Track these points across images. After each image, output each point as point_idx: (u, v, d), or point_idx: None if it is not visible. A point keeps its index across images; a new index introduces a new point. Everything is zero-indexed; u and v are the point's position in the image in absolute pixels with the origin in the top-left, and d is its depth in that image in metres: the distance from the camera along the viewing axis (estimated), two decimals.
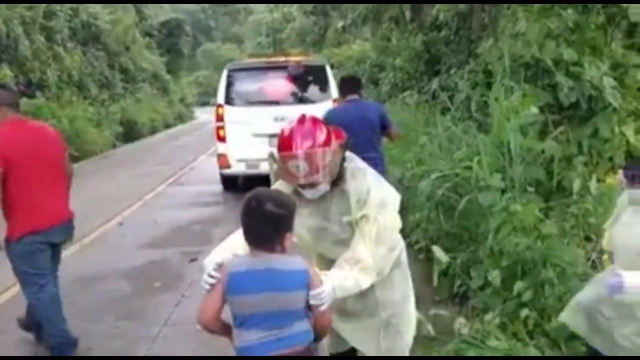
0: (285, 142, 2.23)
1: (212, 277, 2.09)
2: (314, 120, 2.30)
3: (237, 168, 8.88)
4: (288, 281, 2.03)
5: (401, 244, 2.57)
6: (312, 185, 2.26)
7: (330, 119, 5.68)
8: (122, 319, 4.64)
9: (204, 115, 32.81)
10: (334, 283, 2.12)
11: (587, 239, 4.43)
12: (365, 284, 2.23)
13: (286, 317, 2.05)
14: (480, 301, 3.87)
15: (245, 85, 9.08)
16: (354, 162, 2.40)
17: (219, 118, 8.85)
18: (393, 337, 2.54)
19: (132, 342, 4.20)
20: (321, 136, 2.22)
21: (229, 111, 8.78)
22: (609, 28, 5.54)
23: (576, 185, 4.62)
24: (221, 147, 8.88)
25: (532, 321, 3.54)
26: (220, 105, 8.86)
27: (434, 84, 8.24)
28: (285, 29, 36.43)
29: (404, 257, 2.60)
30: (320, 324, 2.14)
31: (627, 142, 5.21)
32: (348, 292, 2.21)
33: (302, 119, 2.28)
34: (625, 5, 5.37)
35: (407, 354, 2.63)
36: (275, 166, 2.31)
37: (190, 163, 14.26)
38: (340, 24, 20.66)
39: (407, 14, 15.52)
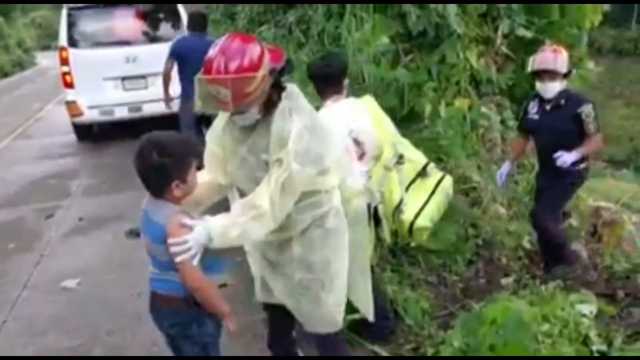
0: (207, 64, 1.98)
1: None
2: (244, 39, 2.03)
3: (90, 115, 8.27)
4: (152, 231, 2.05)
5: (328, 207, 2.30)
6: (240, 111, 2.07)
7: (172, 49, 6.10)
8: None
9: (47, 60, 30.07)
10: (213, 231, 1.98)
11: (439, 160, 4.73)
12: (256, 233, 2.07)
13: (159, 263, 2.09)
14: None
15: (90, 25, 8.35)
16: (295, 101, 2.13)
17: (64, 62, 8.11)
18: (310, 302, 2.35)
19: None
20: (246, 59, 1.95)
21: (74, 54, 8.07)
22: None
23: (427, 110, 4.91)
24: (70, 94, 8.19)
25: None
26: (63, 48, 8.11)
27: (291, 17, 8.10)
28: None
29: (336, 223, 2.33)
30: (181, 279, 2.03)
31: (471, 66, 5.55)
32: (233, 242, 2.05)
33: (230, 36, 2.03)
34: None
35: (328, 325, 2.43)
36: (199, 89, 2.02)
37: (37, 113, 13.10)
38: None
39: None
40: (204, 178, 2.32)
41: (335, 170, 2.26)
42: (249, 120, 2.12)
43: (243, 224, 2.02)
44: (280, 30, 9.42)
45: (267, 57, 2.02)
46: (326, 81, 2.98)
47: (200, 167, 2.19)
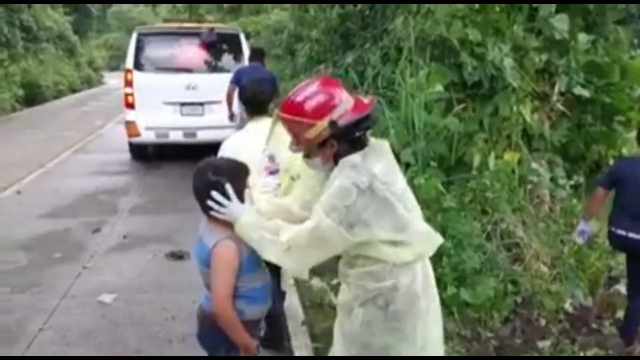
0: (284, 100, 1.98)
1: None
2: (327, 82, 1.97)
3: (146, 136, 8.58)
4: (200, 253, 2.19)
5: (392, 283, 2.00)
6: (306, 154, 2.02)
7: (234, 75, 7.25)
8: (17, 292, 4.43)
9: (114, 80, 31.37)
10: (244, 216, 2.05)
11: (484, 212, 4.67)
12: (268, 256, 2.04)
13: (207, 286, 2.22)
14: None
15: (156, 50, 8.75)
16: (367, 158, 1.93)
17: (128, 83, 8.50)
18: None
19: (28, 316, 4.03)
20: (311, 104, 1.89)
21: (138, 77, 8.45)
22: (512, 12, 5.78)
23: (476, 160, 4.86)
24: (130, 114, 8.55)
25: None
26: (129, 70, 8.50)
27: (348, 58, 8.26)
28: None
29: (398, 306, 2.01)
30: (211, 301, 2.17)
31: (524, 120, 5.50)
32: (249, 241, 2.07)
33: (317, 78, 2.00)
34: None
35: None
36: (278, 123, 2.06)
37: (98, 130, 13.65)
38: None
39: None
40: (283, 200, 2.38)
41: (407, 246, 2.00)
42: (316, 167, 2.05)
43: (262, 237, 2.03)
44: (338, 70, 9.61)
45: (342, 107, 1.91)
46: (259, 106, 3.15)
47: None
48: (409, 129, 4.47)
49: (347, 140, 1.94)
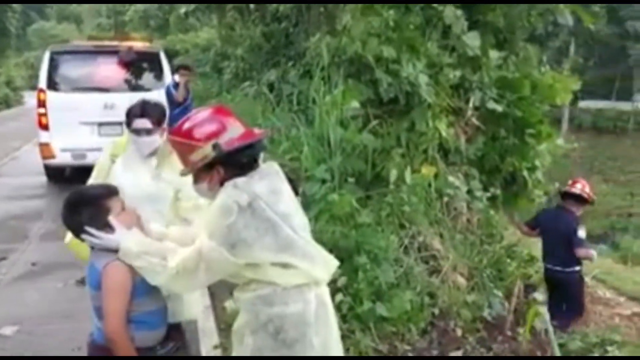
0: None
1: None
2: (219, 111, 2.04)
3: (62, 158, 8.22)
4: (91, 277, 2.11)
5: (281, 310, 1.97)
6: (194, 180, 2.03)
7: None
8: None
9: (34, 100, 30.12)
10: (123, 247, 1.99)
11: (402, 226, 4.72)
12: (157, 282, 1.99)
13: (97, 311, 2.12)
14: None
15: (71, 69, 8.45)
16: (250, 179, 1.94)
17: (41, 104, 8.15)
18: None
19: None
20: (200, 128, 1.94)
21: (52, 97, 8.11)
22: (427, 29, 5.93)
23: (393, 175, 4.91)
24: (44, 136, 8.18)
25: (345, 305, 3.69)
26: (42, 90, 8.16)
27: (272, 76, 8.26)
28: (128, 10, 34.49)
29: (288, 334, 1.97)
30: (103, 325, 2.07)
31: (440, 135, 5.62)
32: (135, 265, 2.00)
33: (211, 107, 2.10)
34: (440, 7, 5.79)
35: None
36: None
37: (14, 152, 13.05)
38: (183, 9, 20.00)
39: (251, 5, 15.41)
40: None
41: (296, 269, 1.97)
42: (202, 192, 2.05)
43: (149, 263, 1.98)
44: (262, 87, 9.59)
45: (229, 134, 1.94)
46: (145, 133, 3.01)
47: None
48: (324, 146, 4.47)
49: (233, 165, 1.95)
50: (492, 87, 6.13)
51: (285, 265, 1.95)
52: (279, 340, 1.97)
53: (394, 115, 5.46)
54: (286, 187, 2.04)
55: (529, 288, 6.49)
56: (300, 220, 2.04)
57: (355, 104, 4.91)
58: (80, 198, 2.11)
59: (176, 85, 7.89)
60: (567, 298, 5.59)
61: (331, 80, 5.20)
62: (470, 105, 6.01)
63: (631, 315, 8.15)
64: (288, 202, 2.01)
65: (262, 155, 2.04)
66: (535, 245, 7.35)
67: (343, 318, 3.67)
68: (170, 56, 14.17)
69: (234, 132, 1.96)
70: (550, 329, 3.83)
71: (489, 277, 5.27)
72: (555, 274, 5.60)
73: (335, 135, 4.42)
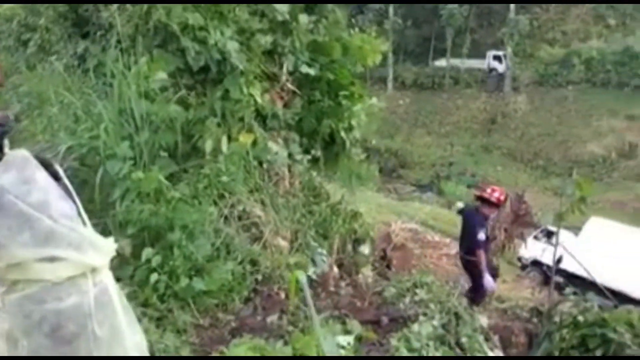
0: None
1: None
2: None
3: None
4: None
5: (54, 306, 1.82)
6: None
7: None
8: None
9: None
10: None
11: (221, 196, 4.67)
12: None
13: None
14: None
15: None
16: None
17: None
18: None
19: None
20: None
21: None
22: None
23: (208, 145, 4.83)
24: None
25: (162, 285, 3.59)
26: None
27: (80, 47, 7.65)
28: None
29: (66, 330, 1.82)
30: None
31: (256, 102, 5.61)
32: None
33: None
34: None
35: None
36: None
37: None
38: None
39: None
40: None
41: (64, 261, 1.81)
42: None
43: None
44: (72, 60, 8.85)
45: None
46: None
47: None
48: (129, 121, 4.22)
49: None
50: (305, 51, 6.23)
51: (52, 259, 1.79)
52: (57, 337, 1.82)
53: (206, 84, 5.34)
54: (40, 174, 1.86)
55: (355, 242, 6.85)
56: (62, 207, 1.89)
57: (162, 75, 4.71)
58: None
59: None
60: (472, 279, 6.86)
61: (136, 51, 4.92)
62: (284, 70, 6.07)
63: (456, 254, 9.12)
64: (43, 190, 1.85)
65: (6, 142, 1.82)
66: (359, 202, 7.75)
67: (161, 298, 3.57)
68: None
69: None
70: (308, 293, 3.79)
71: (313, 237, 5.46)
72: (462, 259, 7.07)
73: (139, 109, 4.20)
